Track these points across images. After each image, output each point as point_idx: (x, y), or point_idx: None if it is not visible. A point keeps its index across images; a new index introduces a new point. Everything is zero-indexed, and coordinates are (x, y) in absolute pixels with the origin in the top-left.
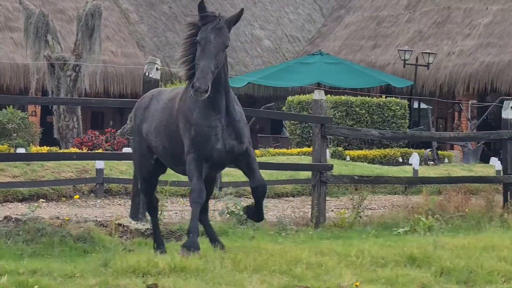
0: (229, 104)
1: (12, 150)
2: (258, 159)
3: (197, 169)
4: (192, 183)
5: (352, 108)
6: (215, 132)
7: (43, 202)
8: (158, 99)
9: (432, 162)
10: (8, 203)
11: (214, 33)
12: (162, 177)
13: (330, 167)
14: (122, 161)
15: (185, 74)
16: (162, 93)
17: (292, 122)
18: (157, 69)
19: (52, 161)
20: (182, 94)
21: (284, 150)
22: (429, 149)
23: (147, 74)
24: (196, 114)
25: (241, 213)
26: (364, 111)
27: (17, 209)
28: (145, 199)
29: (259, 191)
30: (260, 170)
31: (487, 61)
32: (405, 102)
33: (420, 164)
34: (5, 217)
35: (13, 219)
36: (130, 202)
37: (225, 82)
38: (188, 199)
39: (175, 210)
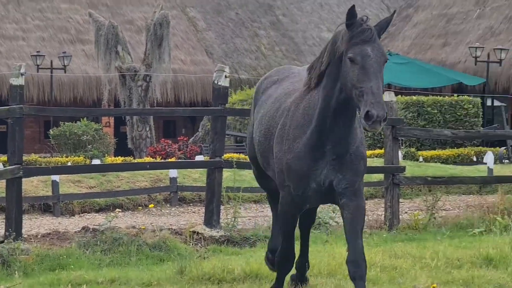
0: (350, 131)
1: (87, 162)
2: None
3: (291, 217)
4: (281, 243)
5: (424, 108)
6: (316, 168)
7: (119, 211)
8: (279, 84)
9: (507, 160)
10: (86, 213)
11: (370, 46)
12: (234, 184)
13: (403, 168)
14: (195, 169)
15: (312, 81)
16: (286, 79)
17: None
18: (226, 76)
19: (127, 171)
20: (298, 95)
21: None
22: (504, 147)
23: (216, 82)
24: (304, 139)
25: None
26: (436, 111)
27: (94, 220)
28: (264, 189)
29: (355, 271)
30: None
31: None
32: (478, 100)
33: (494, 163)
34: (83, 228)
35: (91, 230)
36: (204, 210)
37: (355, 106)
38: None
39: (249, 216)
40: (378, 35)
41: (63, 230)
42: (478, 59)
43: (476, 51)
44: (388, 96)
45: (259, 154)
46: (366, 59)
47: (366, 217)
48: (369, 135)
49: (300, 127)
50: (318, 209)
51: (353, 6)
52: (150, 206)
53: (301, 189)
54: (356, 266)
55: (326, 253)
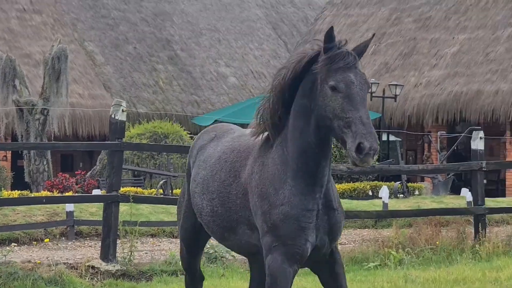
0: (329, 178)
1: None
2: None
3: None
4: None
5: None
6: (311, 220)
7: (15, 246)
8: (218, 141)
9: (402, 195)
10: None
11: (353, 72)
12: (131, 218)
13: None
14: (92, 203)
15: (271, 128)
16: (225, 135)
17: None
18: (123, 110)
19: (23, 205)
20: (258, 154)
21: None
22: (398, 182)
23: (113, 116)
24: (288, 188)
25: (211, 251)
26: (332, 146)
27: None
28: (185, 272)
29: None
30: None
31: (455, 90)
32: None
33: (390, 197)
34: None
35: None
36: (100, 244)
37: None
38: None
39: (145, 250)
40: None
41: None
42: (373, 94)
43: (371, 86)
44: None
45: (215, 225)
46: (351, 86)
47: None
48: None
49: (277, 178)
50: (214, 242)
51: (332, 29)
52: (45, 240)
53: (297, 241)
54: None
55: (221, 287)
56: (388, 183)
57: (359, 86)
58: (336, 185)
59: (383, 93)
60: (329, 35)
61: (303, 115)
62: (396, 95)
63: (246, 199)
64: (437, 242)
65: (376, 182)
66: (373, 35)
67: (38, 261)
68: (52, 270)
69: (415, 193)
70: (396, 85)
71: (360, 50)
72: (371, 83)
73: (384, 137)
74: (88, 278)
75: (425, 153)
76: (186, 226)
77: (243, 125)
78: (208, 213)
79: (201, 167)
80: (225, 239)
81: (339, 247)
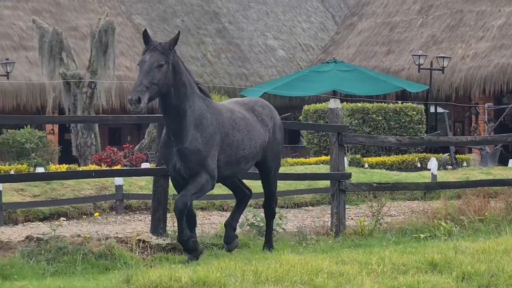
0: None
1: (31, 170)
2: None
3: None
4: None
5: (369, 115)
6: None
7: (64, 220)
8: None
9: (450, 167)
10: (29, 222)
11: (148, 54)
12: None
13: (349, 175)
14: (141, 176)
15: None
16: None
17: (309, 131)
18: None
19: (71, 179)
20: None
21: (302, 159)
22: (447, 154)
23: None
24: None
25: (261, 224)
26: (380, 118)
27: (38, 228)
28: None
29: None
30: (280, 181)
31: (502, 62)
32: (421, 107)
33: (438, 169)
34: (27, 237)
35: (35, 239)
36: (150, 218)
37: (178, 105)
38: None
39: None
40: (166, 47)
41: (6, 240)
42: (421, 66)
43: (419, 58)
44: (334, 103)
45: None
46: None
47: (312, 223)
48: (315, 141)
49: None
50: (263, 215)
51: (145, 30)
52: (95, 214)
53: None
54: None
55: (273, 260)
56: (436, 155)
57: (145, 63)
58: (385, 157)
59: (431, 65)
60: (144, 36)
61: None
62: (443, 67)
63: None
64: (486, 213)
65: (424, 154)
66: (179, 32)
67: (88, 235)
68: (102, 244)
69: (463, 165)
70: (443, 57)
71: (170, 42)
72: (419, 56)
73: (432, 109)
74: (138, 252)
75: (472, 124)
76: None
77: (292, 97)
78: None
79: None
80: None
81: (389, 218)
